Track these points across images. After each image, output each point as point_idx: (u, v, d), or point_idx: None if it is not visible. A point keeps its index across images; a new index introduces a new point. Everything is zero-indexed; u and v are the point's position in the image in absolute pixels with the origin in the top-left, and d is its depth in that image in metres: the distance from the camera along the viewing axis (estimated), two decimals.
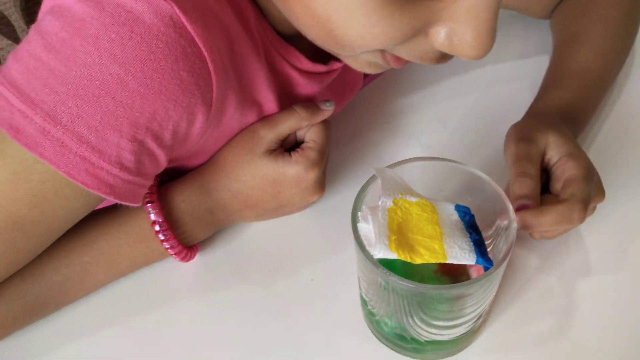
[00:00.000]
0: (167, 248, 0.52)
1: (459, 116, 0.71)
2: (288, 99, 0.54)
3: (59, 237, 0.45)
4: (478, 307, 0.44)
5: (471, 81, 0.75)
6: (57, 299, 0.51)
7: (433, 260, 0.42)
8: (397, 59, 0.43)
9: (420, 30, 0.39)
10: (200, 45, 0.40)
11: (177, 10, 0.38)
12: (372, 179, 0.46)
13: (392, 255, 0.41)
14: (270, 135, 0.52)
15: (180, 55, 0.39)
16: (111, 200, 0.42)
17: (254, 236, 0.59)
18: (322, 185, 0.55)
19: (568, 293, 0.54)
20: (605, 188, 0.54)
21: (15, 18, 0.77)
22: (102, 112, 0.38)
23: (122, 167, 0.41)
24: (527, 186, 0.50)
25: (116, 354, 0.51)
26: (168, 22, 0.38)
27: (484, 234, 0.45)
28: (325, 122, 0.55)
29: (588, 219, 0.53)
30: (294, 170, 0.52)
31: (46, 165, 0.39)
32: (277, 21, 0.49)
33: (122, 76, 0.38)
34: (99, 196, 0.42)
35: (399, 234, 0.43)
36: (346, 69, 0.55)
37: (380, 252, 0.41)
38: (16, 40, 0.78)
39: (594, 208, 0.54)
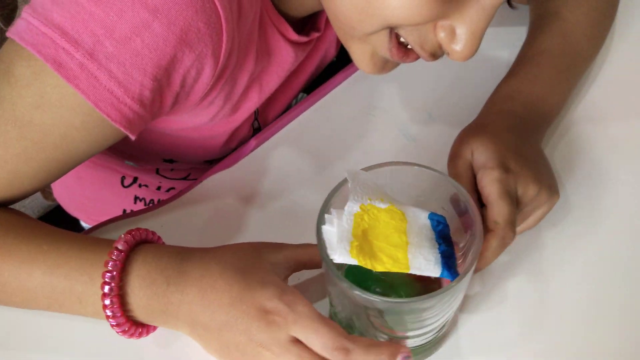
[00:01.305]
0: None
1: (445, 107, 0.69)
2: (266, 61, 0.60)
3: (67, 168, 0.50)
4: (441, 318, 0.44)
5: (458, 72, 0.73)
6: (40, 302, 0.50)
7: (395, 270, 0.42)
8: (399, 48, 0.49)
9: (436, 19, 0.45)
10: (217, 3, 0.46)
11: None
12: (345, 181, 0.45)
13: (352, 260, 0.41)
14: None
15: (200, 9, 0.45)
16: (122, 131, 0.47)
17: (223, 230, 0.58)
18: None
19: (537, 295, 0.54)
20: (570, 187, 0.53)
21: None
22: (131, 52, 0.44)
23: (141, 103, 0.46)
24: None
25: None
26: None
27: (461, 241, 0.44)
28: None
29: (553, 219, 0.55)
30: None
31: (79, 97, 0.44)
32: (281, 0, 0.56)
33: (150, 20, 0.44)
34: (115, 132, 0.47)
35: (362, 240, 0.42)
36: (322, 43, 0.64)
37: (340, 256, 0.41)
38: None
39: (549, 209, 0.54)
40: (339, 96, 0.71)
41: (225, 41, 0.48)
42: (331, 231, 0.43)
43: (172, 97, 0.50)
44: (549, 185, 0.53)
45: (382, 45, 0.49)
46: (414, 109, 0.70)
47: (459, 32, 0.46)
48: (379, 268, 0.41)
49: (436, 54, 0.49)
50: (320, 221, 0.43)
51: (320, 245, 0.43)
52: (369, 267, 0.41)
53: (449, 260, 0.43)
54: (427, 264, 0.42)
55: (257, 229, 0.59)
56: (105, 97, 0.45)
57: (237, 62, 0.54)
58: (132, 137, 0.48)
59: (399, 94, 0.71)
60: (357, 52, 0.52)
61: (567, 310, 0.53)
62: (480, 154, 0.53)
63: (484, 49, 0.73)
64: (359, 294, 0.40)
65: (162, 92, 0.48)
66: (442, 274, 0.42)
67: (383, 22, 0.46)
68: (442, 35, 0.47)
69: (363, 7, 0.46)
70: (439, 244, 0.44)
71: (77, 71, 0.44)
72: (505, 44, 0.74)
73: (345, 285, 0.41)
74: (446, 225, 0.45)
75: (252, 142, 0.66)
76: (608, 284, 0.54)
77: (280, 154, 0.65)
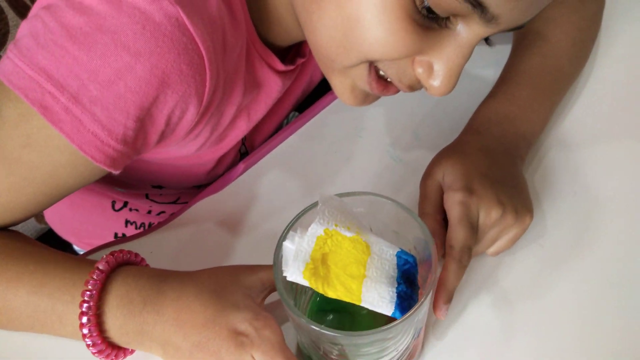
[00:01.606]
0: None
1: (431, 127, 0.70)
2: (255, 92, 0.60)
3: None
4: (400, 346, 0.44)
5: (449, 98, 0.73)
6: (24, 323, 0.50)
7: (347, 299, 0.42)
8: (379, 81, 0.50)
9: (414, 54, 0.46)
10: (200, 44, 0.47)
11: (182, 13, 0.45)
12: (317, 204, 0.45)
13: (304, 281, 0.41)
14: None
15: (182, 51, 0.46)
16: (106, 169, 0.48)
17: (212, 255, 0.58)
18: None
19: (503, 317, 0.54)
20: (546, 205, 0.53)
21: None
22: (115, 96, 0.45)
23: (125, 143, 0.47)
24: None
25: None
26: (174, 23, 0.45)
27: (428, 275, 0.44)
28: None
29: (522, 241, 0.56)
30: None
31: (65, 139, 0.46)
32: (265, 26, 0.56)
33: (132, 64, 0.44)
34: (101, 169, 0.48)
35: (321, 263, 0.43)
36: (307, 68, 0.65)
37: (293, 275, 0.41)
38: None
39: (522, 230, 0.55)
40: (326, 118, 0.72)
41: (209, 80, 0.49)
42: (291, 249, 0.43)
43: (157, 135, 0.51)
44: (515, 207, 0.54)
45: (362, 78, 0.50)
46: (401, 129, 0.70)
47: (436, 69, 0.47)
48: (330, 294, 0.42)
49: (414, 87, 0.50)
50: (283, 238, 0.44)
51: (274, 260, 0.43)
52: (320, 291, 0.42)
53: (404, 302, 0.42)
54: (380, 301, 0.42)
55: (246, 252, 0.60)
56: (89, 139, 0.46)
57: (223, 96, 0.55)
58: (116, 173, 0.49)
59: (385, 114, 0.72)
60: (338, 85, 0.52)
61: (533, 337, 0.53)
62: (448, 175, 0.55)
63: (470, 67, 0.75)
64: (296, 317, 0.41)
65: (146, 131, 0.49)
66: (393, 313, 0.42)
67: (361, 57, 0.47)
68: (419, 70, 0.47)
69: (341, 42, 0.46)
70: (399, 284, 0.43)
71: (62, 115, 0.45)
72: (491, 62, 0.74)
73: (290, 311, 0.41)
74: (414, 266, 0.45)
75: (241, 165, 0.66)
76: (579, 309, 0.54)
77: (268, 178, 0.66)
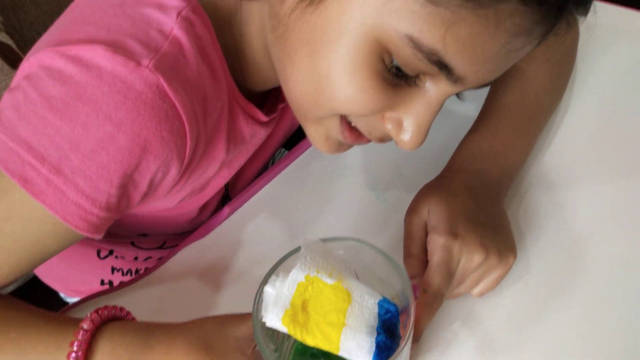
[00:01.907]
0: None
1: (414, 165, 0.71)
2: (239, 146, 0.61)
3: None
4: None
5: (432, 135, 0.74)
6: None
7: (325, 348, 0.42)
8: (351, 131, 0.51)
9: (384, 110, 0.47)
10: (180, 110, 0.47)
11: (162, 80, 0.46)
12: (300, 249, 0.46)
13: (282, 327, 0.42)
14: None
15: (163, 118, 0.47)
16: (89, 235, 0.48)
17: (198, 303, 0.58)
18: None
19: (487, 358, 0.54)
20: (529, 242, 0.54)
21: None
22: (97, 165, 0.45)
23: (108, 209, 0.48)
24: (411, 268, 0.54)
25: None
26: (155, 90, 0.46)
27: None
28: None
29: (506, 280, 0.56)
30: None
31: (46, 211, 0.46)
32: (245, 75, 0.57)
33: (114, 134, 0.45)
34: (81, 235, 0.48)
35: (301, 310, 0.43)
36: (287, 112, 0.66)
37: (272, 321, 0.42)
38: None
39: (505, 271, 0.55)
40: (309, 159, 0.72)
41: (190, 142, 0.50)
42: (271, 294, 0.43)
43: (140, 197, 0.51)
44: (499, 248, 0.54)
45: (335, 128, 0.51)
46: (384, 167, 0.71)
47: (405, 124, 0.47)
48: (309, 341, 0.42)
49: (384, 139, 0.51)
50: (264, 282, 0.44)
51: (254, 304, 0.43)
52: (298, 338, 0.42)
53: (382, 353, 0.42)
54: (358, 350, 0.42)
55: (233, 298, 0.59)
56: (72, 210, 0.46)
57: (205, 153, 0.55)
58: (100, 237, 0.49)
59: (368, 152, 0.72)
60: (312, 134, 0.53)
61: None
62: (434, 215, 0.55)
63: (450, 103, 0.75)
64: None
65: (129, 195, 0.50)
66: None
67: (332, 111, 0.48)
68: (389, 126, 0.48)
69: (312, 96, 0.47)
70: (379, 333, 0.43)
71: (43, 187, 0.45)
72: (471, 97, 0.75)
73: (262, 353, 0.41)
74: (395, 316, 0.45)
75: (226, 209, 0.67)
76: (565, 347, 0.54)
77: (253, 222, 0.66)
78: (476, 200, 0.57)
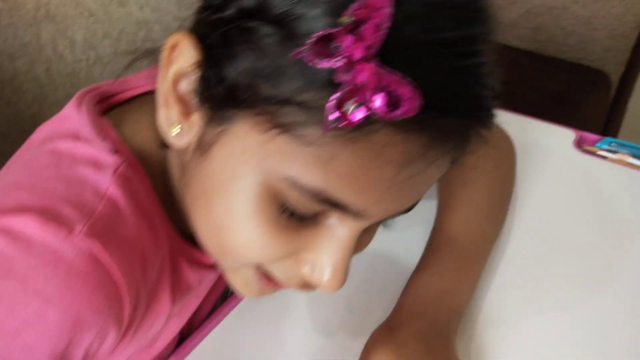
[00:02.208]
0: None
1: (363, 299, 0.69)
2: (186, 295, 0.58)
3: None
4: None
5: (374, 258, 0.74)
6: None
7: None
8: (269, 279, 0.50)
9: (293, 254, 0.46)
10: (115, 273, 0.45)
11: (97, 245, 0.44)
12: None
13: None
14: None
15: (96, 286, 0.44)
16: None
17: None
18: None
19: None
20: None
21: None
22: (23, 346, 0.42)
23: None
24: None
25: None
26: (87, 259, 0.44)
27: None
28: None
29: None
30: None
31: None
32: (183, 221, 0.54)
33: (43, 310, 0.42)
34: None
35: None
36: None
37: None
38: None
39: None
40: (256, 299, 0.70)
41: (128, 305, 0.47)
42: None
43: None
44: None
45: (251, 276, 0.50)
46: (334, 302, 0.70)
47: (320, 266, 0.45)
48: None
49: (306, 285, 0.48)
50: None
51: None
52: None
53: None
54: None
55: None
56: None
57: (148, 309, 0.53)
58: None
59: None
60: (232, 281, 0.53)
61: None
62: None
63: (397, 227, 0.76)
64: None
65: None
66: None
67: (240, 260, 0.47)
68: (305, 269, 0.46)
69: (217, 247, 0.47)
70: None
71: None
72: (418, 220, 0.76)
73: None
74: None
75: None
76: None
77: None
78: (427, 347, 0.56)
